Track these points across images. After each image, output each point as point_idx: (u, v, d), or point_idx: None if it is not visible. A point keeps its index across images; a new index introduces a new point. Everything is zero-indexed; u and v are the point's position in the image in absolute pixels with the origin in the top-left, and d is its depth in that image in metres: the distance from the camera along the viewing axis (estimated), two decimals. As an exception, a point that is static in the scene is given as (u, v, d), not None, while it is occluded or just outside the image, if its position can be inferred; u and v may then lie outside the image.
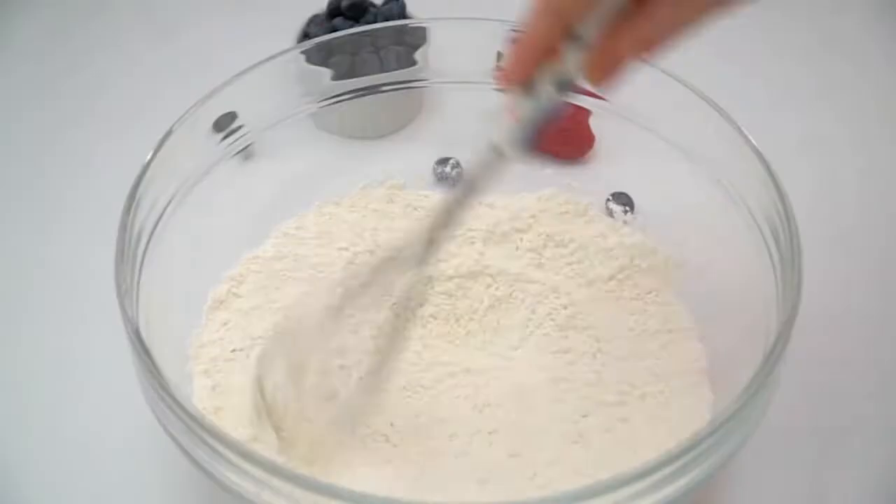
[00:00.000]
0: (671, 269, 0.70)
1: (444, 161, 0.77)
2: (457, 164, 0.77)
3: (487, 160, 0.55)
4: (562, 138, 0.77)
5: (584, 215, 0.74)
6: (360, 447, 0.62)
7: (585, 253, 0.71)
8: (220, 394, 0.63)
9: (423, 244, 0.57)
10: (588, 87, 0.53)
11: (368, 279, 0.59)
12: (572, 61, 0.51)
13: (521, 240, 0.72)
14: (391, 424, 0.63)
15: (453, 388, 0.65)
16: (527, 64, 0.52)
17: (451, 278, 0.70)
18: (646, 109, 0.71)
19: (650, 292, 0.69)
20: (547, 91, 0.52)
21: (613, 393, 0.64)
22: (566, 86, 0.52)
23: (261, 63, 0.70)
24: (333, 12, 0.83)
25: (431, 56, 0.75)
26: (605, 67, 0.51)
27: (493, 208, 0.73)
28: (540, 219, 0.73)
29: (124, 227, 0.61)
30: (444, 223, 0.57)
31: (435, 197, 0.74)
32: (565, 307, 0.69)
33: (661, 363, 0.66)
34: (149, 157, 0.64)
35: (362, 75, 0.74)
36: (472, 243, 0.72)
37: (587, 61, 0.51)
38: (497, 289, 0.70)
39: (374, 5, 0.84)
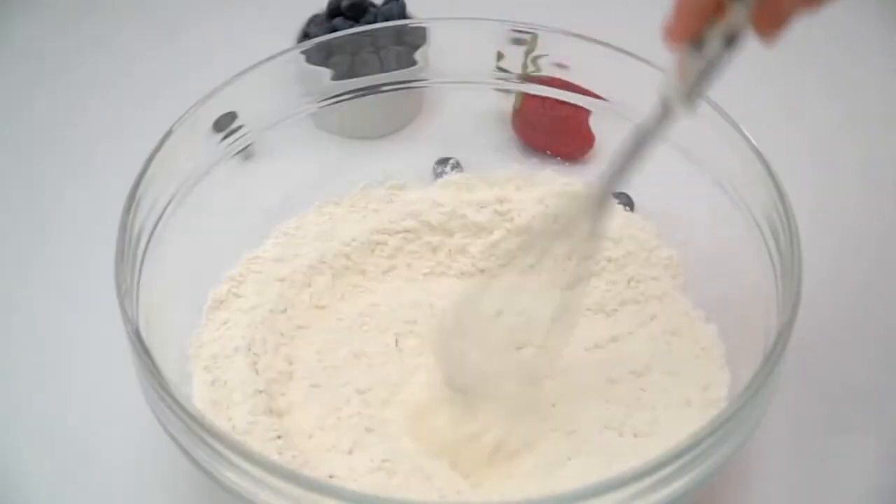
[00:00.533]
0: (673, 269, 0.70)
1: (444, 161, 0.77)
2: (457, 164, 0.77)
3: (657, 116, 0.55)
4: (562, 138, 0.77)
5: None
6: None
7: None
8: (220, 388, 0.63)
9: (593, 207, 0.58)
10: (756, 38, 0.52)
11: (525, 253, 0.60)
12: (740, 15, 0.50)
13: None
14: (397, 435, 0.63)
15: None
16: (694, 20, 0.51)
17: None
18: (646, 109, 0.71)
19: (654, 292, 0.69)
20: (715, 46, 0.51)
21: (614, 390, 0.64)
22: (735, 40, 0.51)
23: (261, 63, 0.70)
24: (333, 12, 0.83)
25: (431, 56, 0.75)
26: (773, 20, 0.51)
27: (502, 203, 0.73)
28: (551, 205, 0.73)
29: (124, 227, 0.61)
30: (611, 183, 0.57)
31: (436, 193, 0.74)
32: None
33: (663, 361, 0.66)
34: (149, 157, 0.64)
35: (362, 75, 0.74)
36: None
37: (755, 14, 0.50)
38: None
39: (374, 5, 0.84)
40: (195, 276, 0.68)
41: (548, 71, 0.74)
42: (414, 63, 0.75)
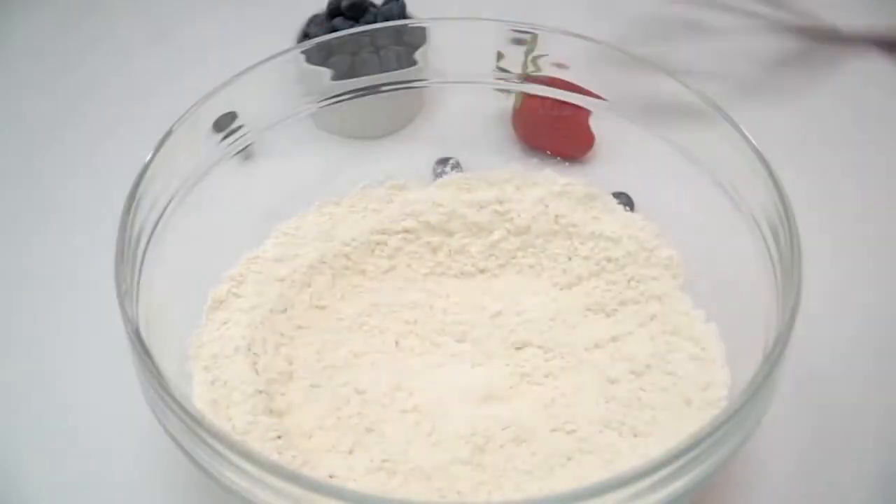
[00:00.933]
0: (673, 269, 0.70)
1: (444, 161, 0.77)
2: (457, 164, 0.77)
3: None
4: (562, 138, 0.77)
5: (592, 201, 0.73)
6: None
7: (590, 238, 0.71)
8: (220, 388, 0.63)
9: None
10: None
11: None
12: None
13: (532, 224, 0.72)
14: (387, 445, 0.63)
15: (452, 376, 0.66)
16: None
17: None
18: (646, 109, 0.71)
19: (654, 292, 0.69)
20: None
21: (614, 390, 0.64)
22: None
23: (261, 63, 0.70)
24: (333, 12, 0.83)
25: (431, 56, 0.75)
26: None
27: (502, 203, 0.73)
28: (552, 205, 0.73)
29: (124, 227, 0.61)
30: None
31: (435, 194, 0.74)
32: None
33: (663, 361, 0.66)
34: (149, 157, 0.64)
35: (362, 75, 0.74)
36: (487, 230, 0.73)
37: None
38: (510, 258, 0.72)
39: (374, 5, 0.84)
40: (195, 276, 0.68)
41: (548, 71, 0.74)
42: (414, 63, 0.75)
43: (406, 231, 0.73)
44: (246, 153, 0.72)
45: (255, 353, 0.66)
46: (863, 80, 0.88)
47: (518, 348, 0.67)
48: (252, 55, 0.70)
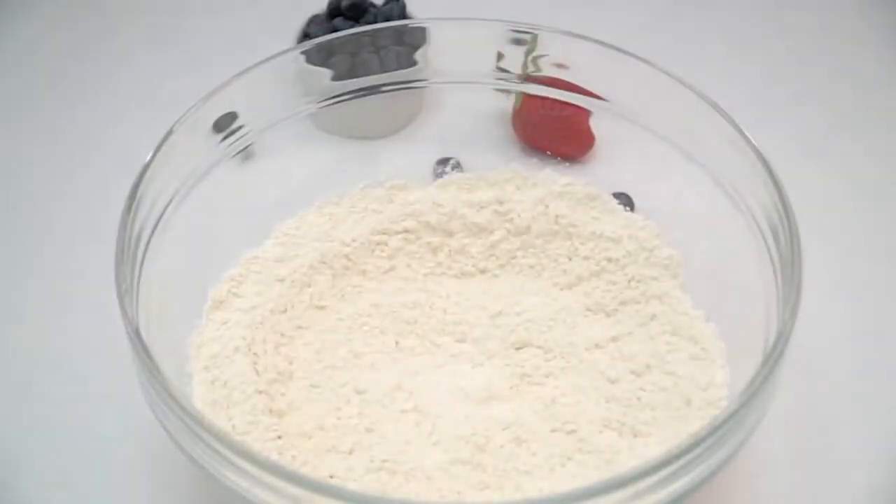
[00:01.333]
0: (673, 269, 0.70)
1: (444, 161, 0.77)
2: (457, 164, 0.77)
3: None
4: (562, 138, 0.77)
5: (592, 201, 0.73)
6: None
7: (590, 239, 0.71)
8: (220, 388, 0.63)
9: None
10: None
11: None
12: None
13: (532, 225, 0.72)
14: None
15: (451, 374, 0.66)
16: None
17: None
18: (646, 109, 0.71)
19: (654, 292, 0.69)
20: None
21: (614, 390, 0.64)
22: None
23: (261, 63, 0.70)
24: (333, 12, 0.83)
25: (431, 56, 0.75)
26: None
27: (502, 204, 0.73)
28: (552, 205, 0.73)
29: (124, 227, 0.61)
30: None
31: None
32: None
33: (663, 361, 0.66)
34: (149, 157, 0.64)
35: (362, 75, 0.74)
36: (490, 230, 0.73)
37: None
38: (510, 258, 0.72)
39: (374, 5, 0.84)
40: (195, 276, 0.68)
41: (548, 71, 0.74)
42: (414, 63, 0.75)
43: (406, 231, 0.73)
44: (246, 153, 0.72)
45: (255, 353, 0.66)
46: (864, 80, 0.88)
47: (518, 348, 0.67)
48: (252, 55, 0.70)
